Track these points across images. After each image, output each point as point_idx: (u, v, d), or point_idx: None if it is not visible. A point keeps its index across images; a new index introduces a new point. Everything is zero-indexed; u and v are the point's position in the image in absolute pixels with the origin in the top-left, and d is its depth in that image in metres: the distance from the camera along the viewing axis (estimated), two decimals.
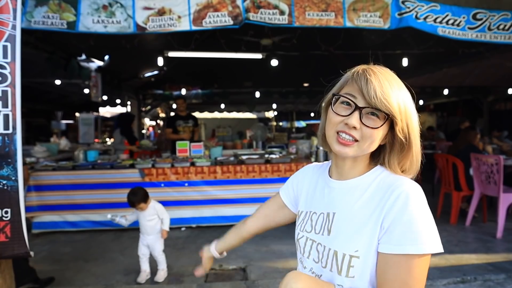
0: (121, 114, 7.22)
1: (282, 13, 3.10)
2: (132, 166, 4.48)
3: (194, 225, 4.47)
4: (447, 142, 7.98)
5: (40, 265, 3.36)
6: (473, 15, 3.28)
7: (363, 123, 0.80)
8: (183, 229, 4.42)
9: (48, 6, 2.87)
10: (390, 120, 0.81)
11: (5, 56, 1.80)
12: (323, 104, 0.93)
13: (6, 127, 1.80)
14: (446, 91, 9.75)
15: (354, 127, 0.80)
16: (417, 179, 0.88)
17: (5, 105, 1.80)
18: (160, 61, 5.12)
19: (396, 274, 0.76)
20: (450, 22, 3.25)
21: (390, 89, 0.79)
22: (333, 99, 0.86)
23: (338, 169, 0.91)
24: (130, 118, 6.59)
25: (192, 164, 4.53)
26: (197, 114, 14.66)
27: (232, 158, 4.82)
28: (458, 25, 3.25)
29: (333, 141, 0.85)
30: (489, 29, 3.30)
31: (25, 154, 5.37)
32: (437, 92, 9.91)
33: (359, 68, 0.84)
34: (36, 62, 5.49)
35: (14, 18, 1.82)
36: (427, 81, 8.03)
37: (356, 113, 0.80)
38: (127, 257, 3.56)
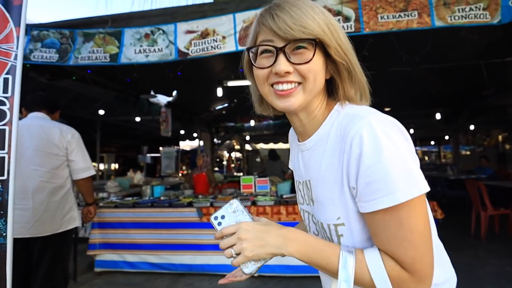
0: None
1: (347, 19, 2.50)
2: (190, 204, 4.16)
3: (256, 275, 3.87)
4: None
5: None
6: None
7: (293, 63, 0.71)
8: None
9: (94, 41, 2.78)
10: (321, 46, 0.71)
11: (5, 90, 1.58)
12: (244, 67, 0.82)
13: (0, 172, 1.54)
14: None
15: (287, 72, 0.71)
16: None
17: (1, 147, 1.55)
18: (220, 92, 4.90)
19: (387, 233, 0.66)
20: None
21: (303, 13, 0.69)
22: (251, 54, 0.76)
23: (298, 129, 0.83)
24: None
25: (253, 203, 4.02)
26: (270, 146, 14.44)
27: None
28: None
29: (272, 98, 0.76)
30: None
31: (99, 189, 5.56)
32: None
33: (262, 10, 0.74)
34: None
35: (17, 48, 1.61)
36: None
37: (281, 56, 0.71)
38: None
